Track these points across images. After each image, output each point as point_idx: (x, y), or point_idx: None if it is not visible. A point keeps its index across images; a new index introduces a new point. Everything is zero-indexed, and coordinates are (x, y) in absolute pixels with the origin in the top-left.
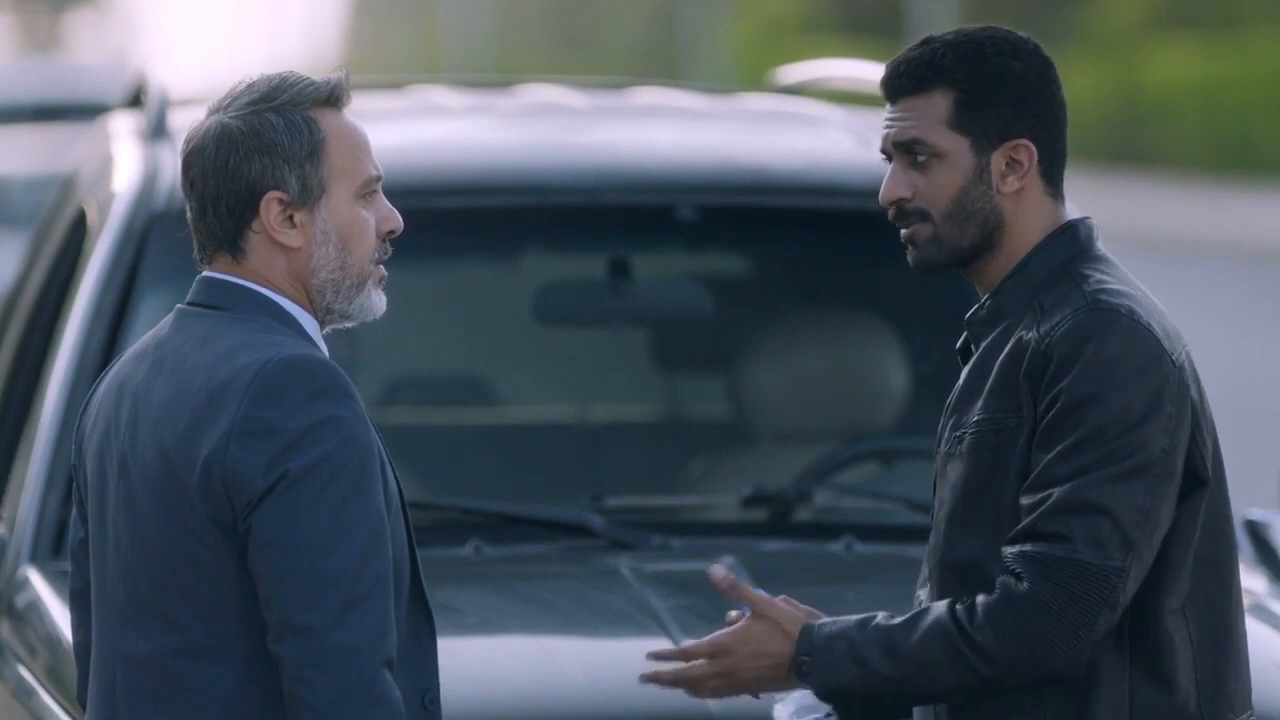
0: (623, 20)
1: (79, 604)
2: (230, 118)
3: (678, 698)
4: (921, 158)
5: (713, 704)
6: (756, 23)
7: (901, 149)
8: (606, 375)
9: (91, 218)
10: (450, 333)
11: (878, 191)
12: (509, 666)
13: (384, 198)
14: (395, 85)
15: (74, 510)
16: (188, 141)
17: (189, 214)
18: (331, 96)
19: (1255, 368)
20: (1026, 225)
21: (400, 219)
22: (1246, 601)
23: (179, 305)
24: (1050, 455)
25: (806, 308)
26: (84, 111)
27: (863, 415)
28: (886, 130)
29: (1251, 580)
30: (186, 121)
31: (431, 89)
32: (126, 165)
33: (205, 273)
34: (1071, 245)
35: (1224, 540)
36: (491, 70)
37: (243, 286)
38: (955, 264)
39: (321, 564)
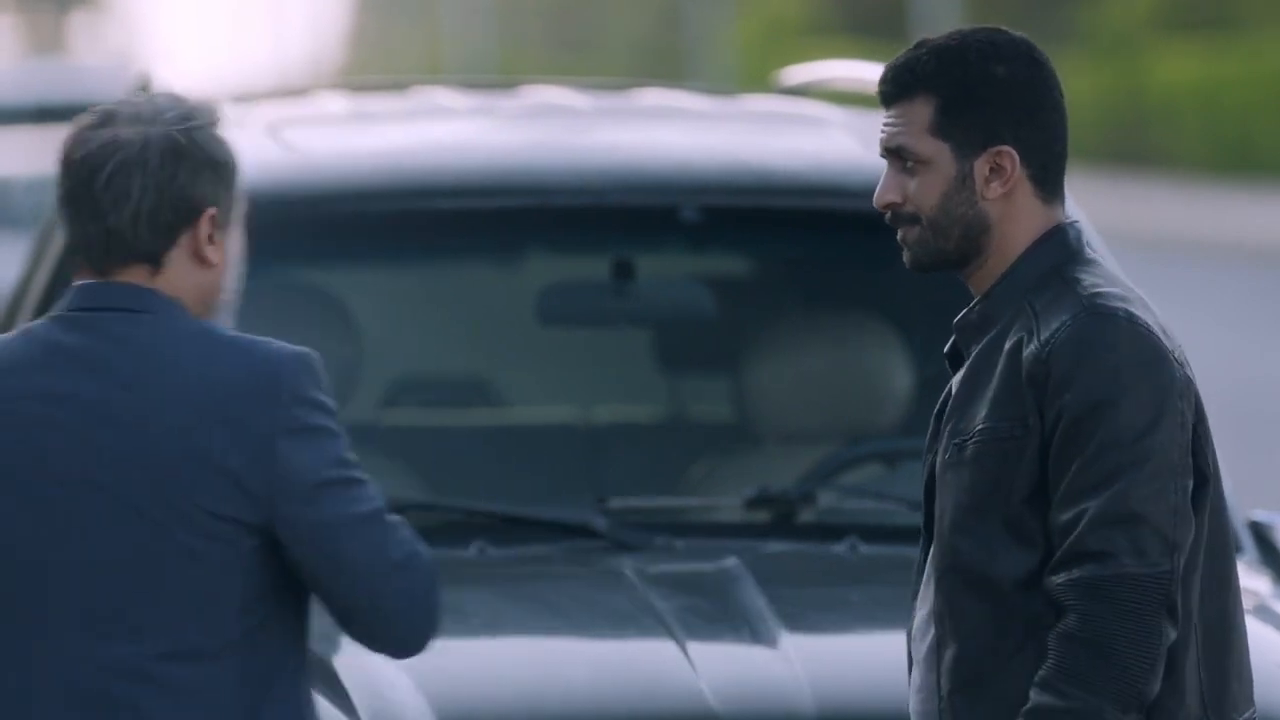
0: (626, 20)
1: None
2: (176, 131)
3: (682, 700)
4: (910, 163)
5: (718, 708)
6: (760, 23)
7: (892, 154)
8: (610, 376)
9: None
10: (454, 334)
11: None
12: (513, 667)
13: None
14: (398, 86)
15: None
16: (112, 149)
17: (104, 221)
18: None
19: (1256, 368)
20: (1016, 229)
21: None
22: (1250, 603)
23: (81, 310)
24: (1073, 468)
25: (810, 309)
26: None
27: (866, 416)
28: (880, 135)
29: (1256, 582)
30: None
31: (434, 90)
32: None
33: (127, 281)
34: (1061, 249)
35: (1224, 538)
36: (494, 71)
37: (166, 300)
38: (944, 267)
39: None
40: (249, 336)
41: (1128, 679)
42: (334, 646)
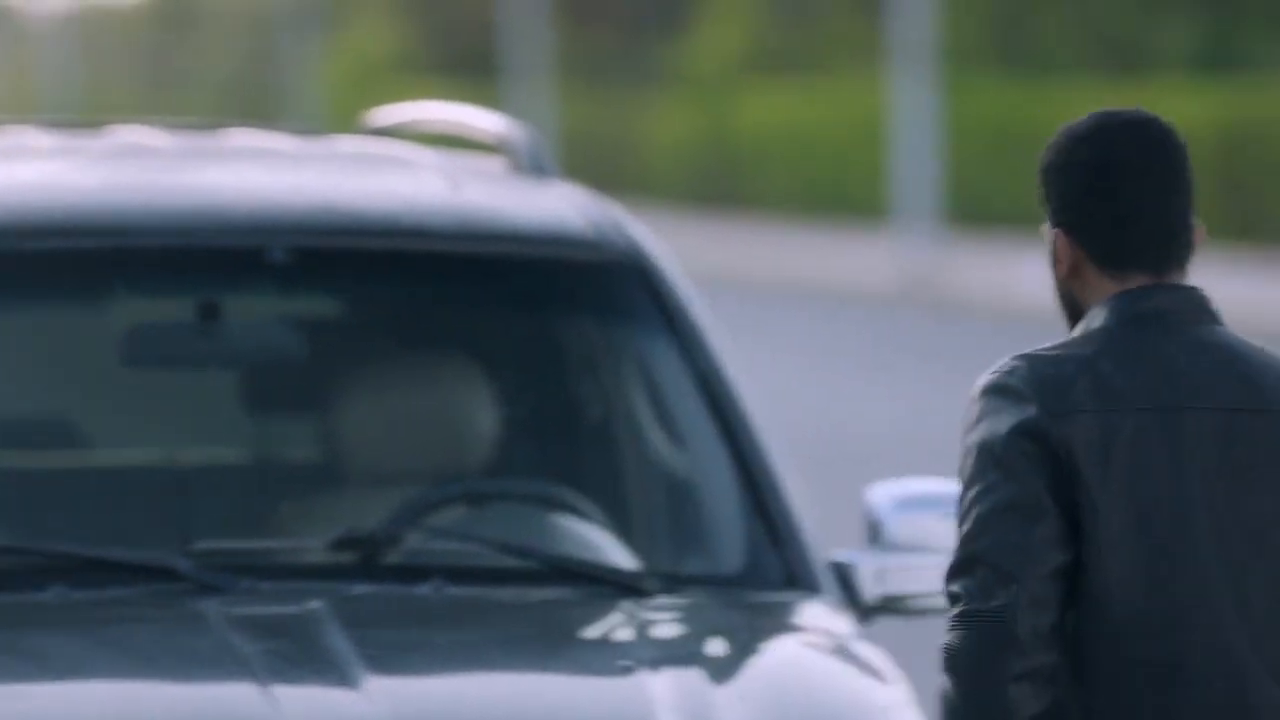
0: (217, 59)
1: None
2: None
3: None
4: None
5: None
6: (348, 62)
7: None
8: (196, 418)
9: None
10: (37, 375)
11: (469, 234)
12: (92, 713)
13: None
14: None
15: None
16: None
17: None
18: None
19: (838, 401)
20: (1090, 305)
21: None
22: (830, 644)
23: None
24: None
25: (398, 350)
26: None
27: (453, 458)
28: None
29: (836, 622)
30: None
31: (19, 130)
32: None
33: None
34: (1093, 320)
35: (1179, 575)
36: (84, 110)
37: None
38: None
39: None
40: None
41: (966, 706)
42: None
